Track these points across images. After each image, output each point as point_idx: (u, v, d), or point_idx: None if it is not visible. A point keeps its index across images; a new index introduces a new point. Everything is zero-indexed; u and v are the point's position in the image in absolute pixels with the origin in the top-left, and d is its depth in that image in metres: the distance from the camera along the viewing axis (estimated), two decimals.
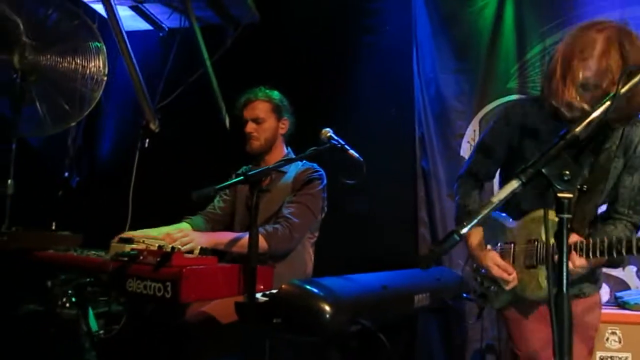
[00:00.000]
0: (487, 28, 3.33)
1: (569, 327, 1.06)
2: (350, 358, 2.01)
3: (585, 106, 1.56)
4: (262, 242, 2.13)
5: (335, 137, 2.23)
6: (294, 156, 2.54)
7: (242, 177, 1.76)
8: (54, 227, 3.04)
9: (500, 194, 1.07)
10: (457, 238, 1.06)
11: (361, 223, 3.35)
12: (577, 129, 1.09)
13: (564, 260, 1.10)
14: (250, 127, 2.48)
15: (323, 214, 2.51)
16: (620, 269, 2.99)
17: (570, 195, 1.05)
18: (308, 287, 1.77)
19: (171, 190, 3.51)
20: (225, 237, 2.19)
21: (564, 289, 1.08)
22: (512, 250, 1.86)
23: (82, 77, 2.96)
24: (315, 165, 2.45)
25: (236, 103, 2.56)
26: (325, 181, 2.45)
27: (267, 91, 2.53)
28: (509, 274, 1.79)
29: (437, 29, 3.42)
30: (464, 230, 1.05)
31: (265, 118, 2.48)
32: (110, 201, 3.45)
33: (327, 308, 1.69)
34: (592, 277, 1.86)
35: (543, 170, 1.06)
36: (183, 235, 1.99)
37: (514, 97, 3.28)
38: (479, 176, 1.98)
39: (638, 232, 1.80)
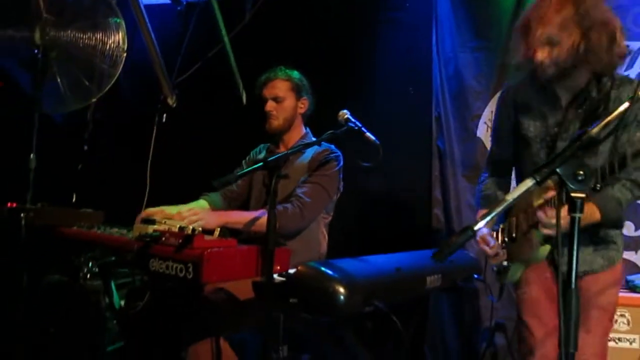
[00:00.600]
0: (510, 6, 3.25)
1: (576, 321, 1.10)
2: (364, 337, 2.08)
3: (546, 61, 1.67)
4: None
5: (353, 120, 2.24)
6: (312, 136, 2.58)
7: (261, 163, 1.80)
8: (74, 200, 3.12)
9: (514, 192, 1.10)
10: (471, 233, 1.10)
11: (377, 201, 3.38)
12: (594, 131, 1.10)
13: (574, 255, 1.13)
14: (270, 105, 2.50)
15: (338, 195, 2.54)
16: (633, 252, 3.00)
17: (584, 195, 1.08)
18: (323, 269, 1.81)
19: (188, 166, 3.58)
20: (236, 216, 2.24)
21: (572, 284, 1.11)
22: (515, 222, 1.92)
23: (102, 53, 2.98)
24: (332, 146, 2.47)
25: (256, 82, 2.58)
26: (342, 163, 2.48)
27: (287, 70, 2.55)
28: (490, 248, 1.89)
29: (458, 6, 3.36)
30: (477, 226, 1.10)
31: (284, 97, 2.50)
32: (129, 176, 3.51)
33: (342, 290, 1.74)
34: (598, 250, 1.85)
35: (558, 170, 1.08)
36: (192, 214, 2.05)
37: None
38: (497, 164, 2.06)
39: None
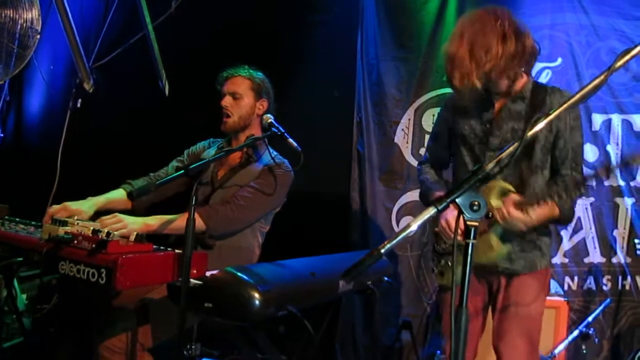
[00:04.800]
0: (430, 20, 3.43)
1: (464, 337, 1.21)
2: (275, 337, 2.13)
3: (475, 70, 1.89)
4: (199, 222, 2.15)
5: (276, 124, 2.26)
6: (266, 142, 2.43)
7: (182, 171, 1.78)
8: None
9: (417, 220, 1.18)
10: (378, 255, 1.18)
11: (297, 201, 3.42)
12: (488, 166, 1.21)
13: (467, 275, 1.23)
14: (227, 100, 2.41)
15: (279, 208, 2.50)
16: None
17: (477, 224, 1.19)
18: (239, 274, 1.84)
19: (103, 156, 3.43)
20: (160, 224, 2.13)
21: (464, 304, 1.20)
22: None
23: (10, 32, 2.78)
24: (288, 163, 2.43)
25: (217, 77, 2.49)
26: (290, 178, 2.43)
27: (251, 70, 2.49)
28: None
29: (383, 15, 3.48)
30: (384, 250, 1.17)
31: (242, 94, 2.42)
32: (37, 162, 3.32)
33: (257, 295, 1.77)
34: (522, 252, 1.99)
35: (457, 201, 1.18)
36: (116, 221, 1.98)
37: (450, 90, 3.44)
38: (434, 162, 2.25)
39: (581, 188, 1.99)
